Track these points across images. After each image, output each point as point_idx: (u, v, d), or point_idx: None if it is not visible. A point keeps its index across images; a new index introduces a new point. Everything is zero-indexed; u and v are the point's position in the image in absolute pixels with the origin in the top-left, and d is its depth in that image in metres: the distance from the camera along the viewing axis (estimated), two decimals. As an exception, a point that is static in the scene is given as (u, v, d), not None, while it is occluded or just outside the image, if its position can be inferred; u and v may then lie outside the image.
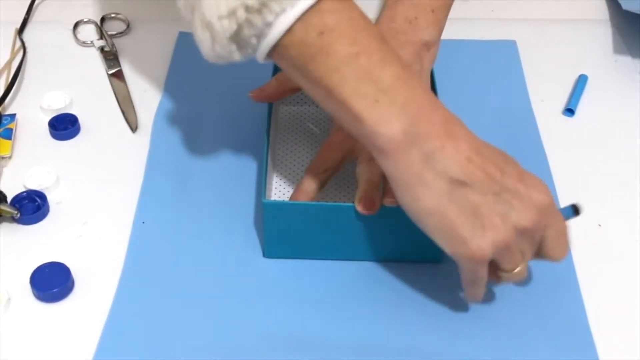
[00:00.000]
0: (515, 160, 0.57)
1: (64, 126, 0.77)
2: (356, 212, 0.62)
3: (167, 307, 0.63)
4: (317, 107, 0.79)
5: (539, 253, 0.58)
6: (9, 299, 0.63)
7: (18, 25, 0.89)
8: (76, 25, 0.90)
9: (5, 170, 0.74)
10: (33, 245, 0.67)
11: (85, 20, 0.91)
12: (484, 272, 0.56)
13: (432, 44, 0.70)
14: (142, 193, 0.71)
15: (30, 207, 0.70)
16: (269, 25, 0.52)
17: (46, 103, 0.80)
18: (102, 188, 0.72)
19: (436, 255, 0.65)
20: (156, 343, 0.60)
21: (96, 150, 0.76)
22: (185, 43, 0.88)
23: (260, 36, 0.53)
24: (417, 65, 0.68)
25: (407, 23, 0.69)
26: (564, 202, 0.71)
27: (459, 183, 0.53)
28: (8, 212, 0.68)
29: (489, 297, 0.64)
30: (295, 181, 0.72)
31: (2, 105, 0.79)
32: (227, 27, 0.53)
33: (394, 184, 0.55)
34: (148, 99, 0.81)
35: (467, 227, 0.54)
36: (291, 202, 0.66)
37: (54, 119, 0.78)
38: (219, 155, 0.75)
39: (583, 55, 0.88)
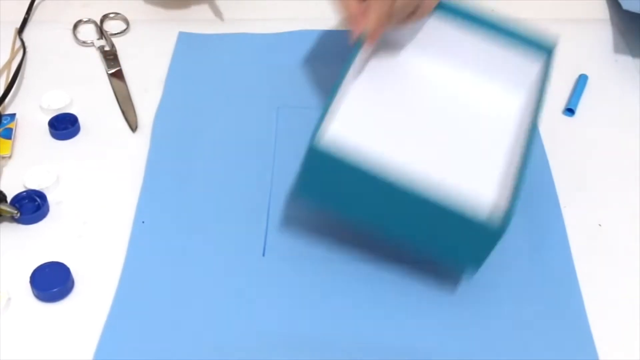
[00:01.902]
0: None
1: (63, 126, 0.77)
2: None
3: (167, 307, 0.63)
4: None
5: None
6: (9, 298, 0.63)
7: (18, 25, 0.89)
8: (76, 25, 0.90)
9: (5, 170, 0.74)
10: (33, 245, 0.67)
11: (85, 20, 0.91)
12: None
13: None
14: (142, 193, 0.71)
15: (30, 206, 0.69)
16: None
17: (46, 103, 0.80)
18: (102, 188, 0.72)
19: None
20: (156, 343, 0.60)
21: (96, 150, 0.76)
22: (185, 43, 0.88)
23: None
24: None
25: None
26: (565, 202, 0.71)
27: None
28: (8, 212, 0.68)
29: (488, 297, 0.64)
30: None
31: (2, 105, 0.79)
32: None
33: None
34: (148, 99, 0.81)
35: None
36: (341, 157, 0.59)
37: (54, 118, 0.78)
38: (219, 154, 0.75)
39: (583, 55, 0.88)
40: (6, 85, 0.80)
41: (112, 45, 0.87)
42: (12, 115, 0.78)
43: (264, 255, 0.67)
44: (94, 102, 0.81)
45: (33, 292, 0.63)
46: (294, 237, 0.67)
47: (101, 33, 0.89)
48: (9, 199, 0.69)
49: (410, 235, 0.61)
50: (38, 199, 0.70)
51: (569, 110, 0.81)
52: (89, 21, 0.91)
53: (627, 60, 0.87)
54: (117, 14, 0.92)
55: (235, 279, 0.65)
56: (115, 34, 0.89)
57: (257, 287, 0.64)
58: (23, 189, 0.71)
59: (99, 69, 0.85)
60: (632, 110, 0.81)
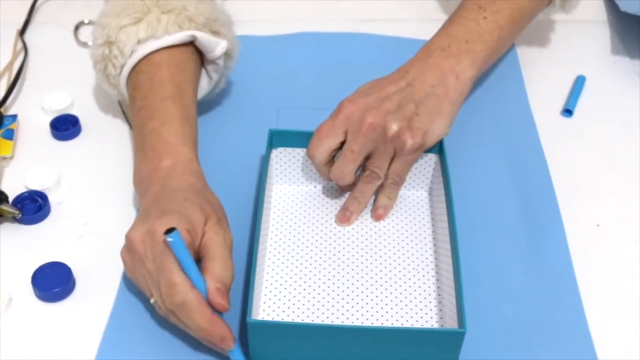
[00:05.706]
0: None
1: (65, 127, 0.78)
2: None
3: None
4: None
5: None
6: (11, 298, 0.63)
7: (20, 27, 0.90)
8: (77, 26, 0.90)
9: (6, 170, 0.74)
10: (34, 245, 0.68)
11: (86, 21, 0.91)
12: None
13: (461, 72, 0.70)
14: (143, 193, 0.71)
15: (32, 207, 0.70)
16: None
17: (47, 104, 0.80)
18: (103, 188, 0.73)
19: None
20: (158, 342, 0.61)
21: (97, 151, 0.76)
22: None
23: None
24: (441, 89, 0.69)
25: (440, 50, 0.71)
26: (563, 202, 0.71)
27: None
28: (9, 212, 0.68)
29: (488, 298, 0.64)
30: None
31: (4, 106, 0.79)
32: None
33: None
34: (149, 99, 0.81)
35: None
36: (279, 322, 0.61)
37: (55, 119, 0.78)
38: (218, 155, 0.75)
39: (581, 56, 0.88)
40: (8, 87, 0.81)
41: (113, 47, 0.87)
42: (14, 117, 0.78)
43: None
44: (95, 103, 0.81)
45: (34, 292, 0.64)
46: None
47: (102, 34, 0.89)
48: (10, 200, 0.70)
49: None
50: (39, 200, 0.70)
51: (567, 111, 0.81)
52: (90, 22, 0.91)
53: (624, 61, 0.87)
54: (117, 15, 0.92)
55: (235, 278, 0.65)
56: (116, 35, 0.89)
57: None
58: (24, 190, 0.71)
59: (99, 70, 0.86)
60: (630, 110, 0.81)
